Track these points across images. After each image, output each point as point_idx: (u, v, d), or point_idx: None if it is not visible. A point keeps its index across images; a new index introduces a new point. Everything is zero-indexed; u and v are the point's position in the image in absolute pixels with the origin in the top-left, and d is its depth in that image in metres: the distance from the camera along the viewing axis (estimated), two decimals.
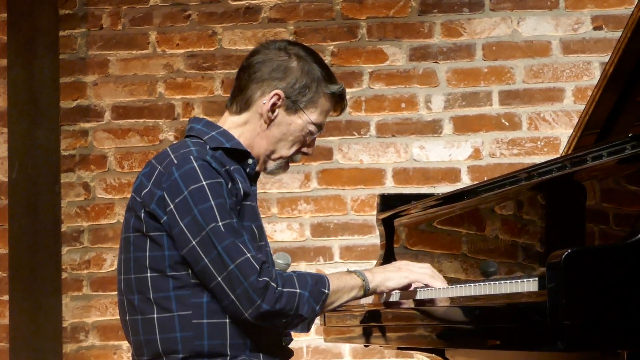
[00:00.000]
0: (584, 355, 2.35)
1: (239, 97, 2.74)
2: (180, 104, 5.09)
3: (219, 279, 2.53)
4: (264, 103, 2.70)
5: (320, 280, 2.61)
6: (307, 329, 2.63)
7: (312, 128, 2.74)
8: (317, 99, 2.73)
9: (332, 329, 3.33)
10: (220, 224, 2.53)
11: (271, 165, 2.77)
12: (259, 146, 2.74)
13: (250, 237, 2.59)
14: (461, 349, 3.05)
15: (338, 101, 2.77)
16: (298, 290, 2.56)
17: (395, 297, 2.88)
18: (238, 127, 2.74)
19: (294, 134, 2.74)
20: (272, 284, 2.52)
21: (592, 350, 2.12)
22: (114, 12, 5.14)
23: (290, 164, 2.80)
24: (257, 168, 2.76)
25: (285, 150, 2.75)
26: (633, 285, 2.07)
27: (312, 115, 2.73)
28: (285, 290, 2.54)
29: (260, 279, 2.51)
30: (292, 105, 2.71)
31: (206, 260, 2.53)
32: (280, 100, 2.70)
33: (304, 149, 2.77)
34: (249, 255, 2.53)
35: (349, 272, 2.72)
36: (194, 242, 2.54)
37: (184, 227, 2.54)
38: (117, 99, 5.12)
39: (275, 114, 2.71)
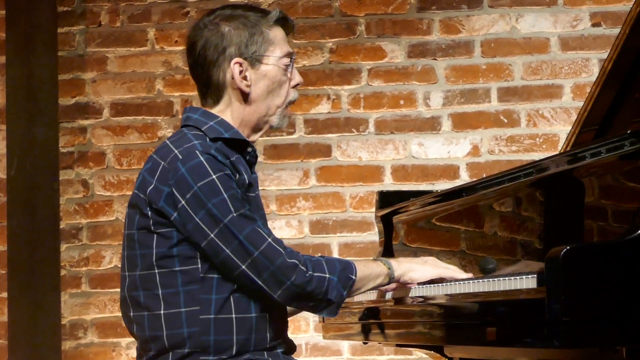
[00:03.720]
0: (583, 351, 2.35)
1: (209, 90, 2.73)
2: (179, 101, 5.09)
3: (243, 267, 2.53)
4: (233, 78, 2.70)
5: (348, 266, 2.63)
6: (333, 314, 2.64)
7: (284, 61, 2.74)
8: (267, 36, 2.72)
9: (331, 326, 3.33)
10: (235, 214, 2.54)
11: (274, 120, 2.76)
12: (253, 112, 2.73)
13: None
14: (460, 345, 3.05)
15: (284, 24, 2.76)
16: (327, 275, 2.58)
17: (394, 293, 2.88)
18: (226, 110, 2.73)
19: (274, 79, 2.73)
20: (302, 267, 2.55)
21: (591, 346, 2.12)
22: (112, 9, 5.13)
23: (290, 108, 2.78)
24: (262, 131, 2.76)
25: (279, 99, 2.75)
26: (632, 282, 2.06)
27: (275, 52, 2.72)
28: (315, 274, 2.56)
29: (289, 261, 2.54)
30: (255, 60, 2.71)
31: (227, 251, 2.53)
32: (243, 64, 2.70)
33: (293, 82, 2.77)
34: (269, 240, 2.55)
35: (375, 260, 2.75)
36: (212, 235, 2.53)
37: (199, 222, 2.54)
38: (115, 96, 5.11)
39: (248, 79, 2.71)
